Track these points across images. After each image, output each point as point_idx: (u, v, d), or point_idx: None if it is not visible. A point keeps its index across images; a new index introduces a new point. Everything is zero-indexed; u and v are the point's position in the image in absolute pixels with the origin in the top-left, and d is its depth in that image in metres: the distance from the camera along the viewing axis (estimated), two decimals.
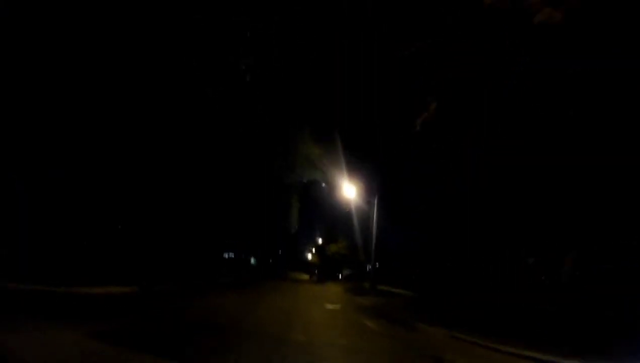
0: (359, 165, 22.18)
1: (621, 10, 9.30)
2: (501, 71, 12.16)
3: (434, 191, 18.09)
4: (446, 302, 14.33)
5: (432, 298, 16.44)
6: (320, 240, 58.71)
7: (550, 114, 11.48)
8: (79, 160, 13.29)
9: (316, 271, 50.05)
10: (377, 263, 22.81)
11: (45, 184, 12.69)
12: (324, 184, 29.65)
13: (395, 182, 21.02)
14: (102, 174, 14.09)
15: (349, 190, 21.51)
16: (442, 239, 17.32)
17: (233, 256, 35.26)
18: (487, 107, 13.28)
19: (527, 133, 11.89)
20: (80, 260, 12.79)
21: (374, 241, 18.90)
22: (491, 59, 12.26)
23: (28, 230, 11.83)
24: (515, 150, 12.08)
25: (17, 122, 11.56)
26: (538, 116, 11.77)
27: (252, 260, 49.87)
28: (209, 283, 18.85)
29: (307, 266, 65.65)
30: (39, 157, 12.29)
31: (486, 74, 12.64)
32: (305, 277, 50.24)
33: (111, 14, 12.17)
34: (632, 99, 9.66)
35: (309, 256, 70.55)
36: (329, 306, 13.33)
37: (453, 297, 14.68)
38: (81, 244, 14.02)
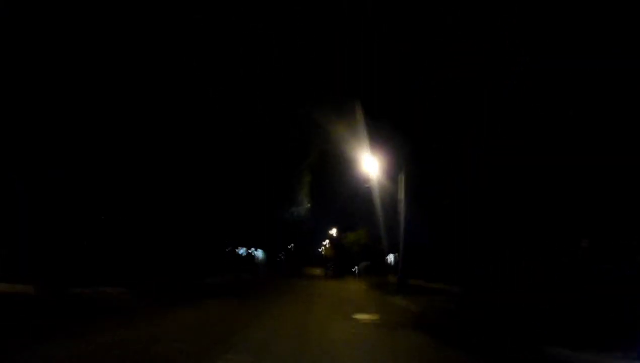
0: (382, 135, 18.72)
1: (621, 10, 9.30)
2: (501, 71, 12.18)
3: (434, 190, 17.95)
4: (524, 301, 10.30)
5: (496, 297, 12.28)
6: (334, 232, 54.53)
7: (550, 114, 11.50)
8: (79, 160, 13.29)
9: (331, 265, 45.21)
10: (398, 254, 19.33)
11: (45, 184, 12.70)
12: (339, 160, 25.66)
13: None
14: (102, 173, 14.10)
15: (370, 165, 17.81)
16: (481, 225, 15.09)
17: (232, 250, 32.61)
18: (487, 107, 13.31)
19: (527, 133, 11.91)
20: (80, 259, 12.79)
21: (402, 226, 15.33)
22: (491, 59, 12.28)
23: (28, 230, 11.84)
24: (515, 150, 12.10)
25: (17, 122, 11.57)
26: (538, 116, 11.78)
27: (260, 254, 46.18)
28: (190, 285, 14.73)
29: (320, 260, 61.78)
30: (39, 157, 12.29)
31: (486, 74, 12.66)
32: (319, 272, 45.73)
33: (111, 14, 12.18)
34: (632, 99, 9.66)
35: (322, 250, 66.93)
36: (362, 318, 8.56)
37: (524, 295, 11.24)
38: (81, 244, 14.02)
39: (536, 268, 12.14)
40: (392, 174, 17.40)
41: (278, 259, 53.81)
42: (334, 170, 29.98)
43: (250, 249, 38.86)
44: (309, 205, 30.81)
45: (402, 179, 15.72)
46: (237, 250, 34.18)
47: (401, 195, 15.59)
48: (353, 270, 44.27)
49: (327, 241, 61.77)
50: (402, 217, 15.22)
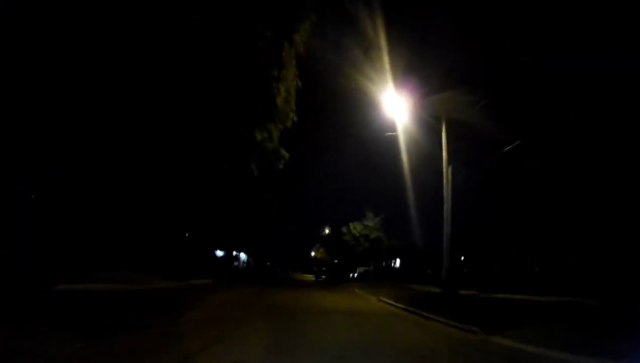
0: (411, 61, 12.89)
1: (621, 10, 9.31)
2: (501, 71, 12.18)
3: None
4: None
5: None
6: (327, 231, 49.23)
7: (550, 114, 11.50)
8: (79, 160, 13.29)
9: (323, 269, 37.04)
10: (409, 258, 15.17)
11: (45, 184, 12.70)
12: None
13: None
14: (102, 173, 14.09)
15: (394, 104, 11.83)
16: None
17: (209, 251, 29.53)
18: (487, 106, 13.31)
19: (527, 133, 11.91)
20: (80, 259, 12.76)
21: (447, 206, 10.02)
22: (491, 59, 12.29)
23: (28, 230, 11.83)
24: (515, 150, 12.11)
25: (17, 122, 11.56)
26: (538, 116, 11.78)
27: (243, 257, 42.79)
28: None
29: (311, 264, 59.15)
30: (39, 157, 12.28)
31: (486, 74, 12.66)
32: (310, 277, 41.05)
33: (112, 14, 12.17)
34: (632, 99, 9.67)
35: (314, 253, 64.55)
36: None
37: None
38: (81, 244, 14.02)
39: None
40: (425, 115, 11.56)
41: (265, 264, 49.86)
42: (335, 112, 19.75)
43: (233, 252, 35.47)
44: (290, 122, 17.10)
45: (444, 135, 10.83)
46: (215, 251, 31.38)
47: (444, 156, 10.59)
48: (351, 276, 36.45)
49: (319, 244, 58.64)
50: (446, 192, 10.16)
